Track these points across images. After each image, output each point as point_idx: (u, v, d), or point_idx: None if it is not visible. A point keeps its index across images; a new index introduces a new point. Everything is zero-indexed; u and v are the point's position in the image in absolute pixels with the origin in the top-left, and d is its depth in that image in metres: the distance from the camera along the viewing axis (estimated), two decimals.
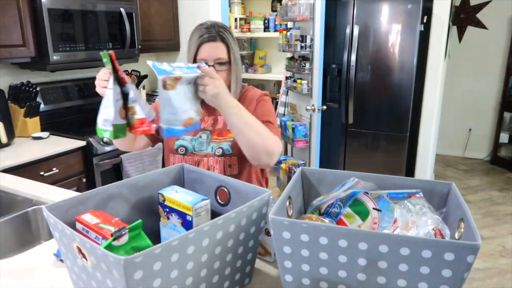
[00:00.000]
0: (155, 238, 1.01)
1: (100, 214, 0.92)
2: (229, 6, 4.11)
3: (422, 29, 3.21)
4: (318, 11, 2.77)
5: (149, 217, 1.08)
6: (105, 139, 1.05)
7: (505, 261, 2.77)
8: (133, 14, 2.81)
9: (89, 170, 2.40)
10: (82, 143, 2.35)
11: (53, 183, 2.08)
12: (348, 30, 3.41)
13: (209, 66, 1.33)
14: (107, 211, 0.99)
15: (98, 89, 1.11)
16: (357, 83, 3.49)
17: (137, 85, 3.25)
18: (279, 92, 4.02)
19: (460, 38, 4.73)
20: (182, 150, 1.44)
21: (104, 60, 1.03)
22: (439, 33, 3.30)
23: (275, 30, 4.23)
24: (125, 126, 1.07)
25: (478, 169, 4.59)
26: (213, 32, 1.34)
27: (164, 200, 1.02)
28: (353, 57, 3.43)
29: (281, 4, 3.38)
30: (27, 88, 2.43)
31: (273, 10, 4.41)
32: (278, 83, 4.25)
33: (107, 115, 1.03)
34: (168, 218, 1.02)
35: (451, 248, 0.69)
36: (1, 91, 2.30)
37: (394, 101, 3.42)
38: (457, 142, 4.99)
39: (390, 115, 3.47)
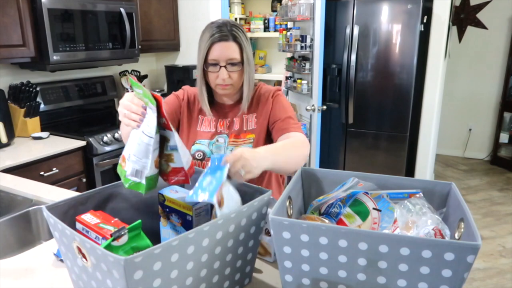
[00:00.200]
0: (155, 238, 1.01)
1: (100, 214, 0.92)
2: (229, 6, 4.10)
3: (422, 29, 3.21)
4: (318, 11, 2.77)
5: (149, 217, 1.08)
6: (126, 185, 0.91)
7: (505, 261, 2.77)
8: (133, 14, 2.81)
9: (89, 170, 2.40)
10: (82, 143, 2.35)
11: (53, 183, 2.09)
12: (348, 30, 3.41)
13: (220, 67, 1.28)
14: (107, 211, 0.99)
15: (124, 121, 0.94)
16: (357, 83, 3.49)
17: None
18: None
19: (460, 38, 4.73)
20: (199, 155, 1.38)
21: (139, 91, 0.89)
22: (439, 33, 3.30)
23: (275, 30, 4.23)
24: (158, 175, 0.95)
25: (478, 169, 4.59)
26: (225, 31, 1.26)
27: (164, 200, 1.02)
28: (353, 57, 3.42)
29: (281, 4, 3.38)
30: (27, 88, 2.43)
31: (273, 10, 4.41)
32: (278, 83, 4.24)
33: (140, 165, 0.90)
34: (168, 218, 1.02)
35: (451, 248, 0.69)
36: (1, 91, 2.30)
37: (394, 101, 3.42)
38: (457, 142, 4.99)
39: (390, 115, 3.47)
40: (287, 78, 3.57)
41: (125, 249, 0.78)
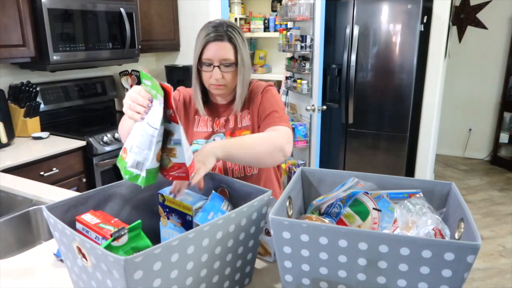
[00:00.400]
0: (155, 238, 1.02)
1: (100, 214, 0.92)
2: (229, 6, 4.10)
3: (422, 29, 3.21)
4: (318, 11, 2.77)
5: (149, 217, 1.08)
6: (125, 176, 0.90)
7: (505, 261, 2.77)
8: (133, 14, 2.81)
9: (89, 170, 2.40)
10: (82, 143, 2.35)
11: (53, 183, 2.09)
12: (348, 30, 3.41)
13: (214, 66, 1.27)
14: (107, 211, 0.99)
15: (128, 112, 0.92)
16: (357, 83, 3.49)
17: (137, 85, 3.24)
18: (279, 92, 4.02)
19: (460, 38, 4.73)
20: None
21: (148, 82, 0.88)
22: (439, 33, 3.30)
23: (275, 30, 4.23)
24: (158, 169, 0.93)
25: (478, 169, 4.59)
26: (220, 31, 1.25)
27: (164, 200, 1.02)
28: (353, 57, 3.42)
29: (281, 4, 3.38)
30: (27, 88, 2.43)
31: (273, 10, 4.41)
32: (278, 83, 4.24)
33: (142, 157, 0.88)
34: (168, 218, 1.02)
35: (451, 248, 0.69)
36: (1, 91, 2.30)
37: (394, 101, 3.42)
38: (457, 142, 4.99)
39: (390, 115, 3.47)
40: (287, 78, 3.57)
41: (125, 249, 0.78)
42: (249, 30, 4.35)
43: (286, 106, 3.69)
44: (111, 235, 0.76)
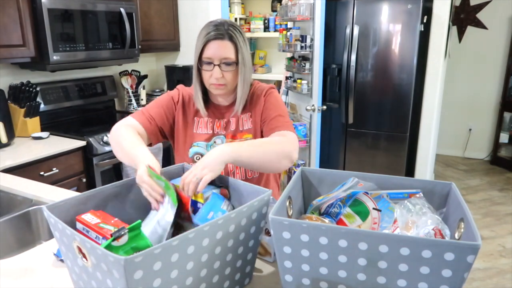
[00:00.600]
0: None
1: (100, 214, 0.92)
2: (229, 6, 4.10)
3: (422, 29, 3.21)
4: (318, 11, 2.77)
5: None
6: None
7: (505, 261, 2.77)
8: (133, 14, 2.81)
9: (89, 170, 2.40)
10: (82, 143, 2.35)
11: (53, 183, 2.09)
12: (348, 30, 3.41)
13: (214, 65, 1.26)
14: (107, 211, 0.99)
15: (148, 196, 1.00)
16: (357, 83, 3.49)
17: (137, 85, 3.25)
18: (279, 92, 4.02)
19: (460, 38, 4.73)
20: (198, 158, 1.35)
21: (161, 183, 0.96)
22: (439, 33, 3.30)
23: (275, 30, 4.23)
24: None
25: (478, 169, 4.59)
26: (221, 30, 1.25)
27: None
28: (353, 57, 3.42)
29: (281, 4, 3.38)
30: (27, 88, 2.43)
31: (273, 10, 4.40)
32: (278, 83, 4.24)
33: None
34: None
35: (451, 248, 0.69)
36: (1, 91, 2.30)
37: (394, 101, 3.42)
38: (457, 142, 4.99)
39: (390, 115, 3.47)
40: (287, 78, 3.57)
41: (125, 249, 0.78)
42: (249, 30, 4.35)
43: (286, 106, 3.70)
44: (111, 235, 0.76)
